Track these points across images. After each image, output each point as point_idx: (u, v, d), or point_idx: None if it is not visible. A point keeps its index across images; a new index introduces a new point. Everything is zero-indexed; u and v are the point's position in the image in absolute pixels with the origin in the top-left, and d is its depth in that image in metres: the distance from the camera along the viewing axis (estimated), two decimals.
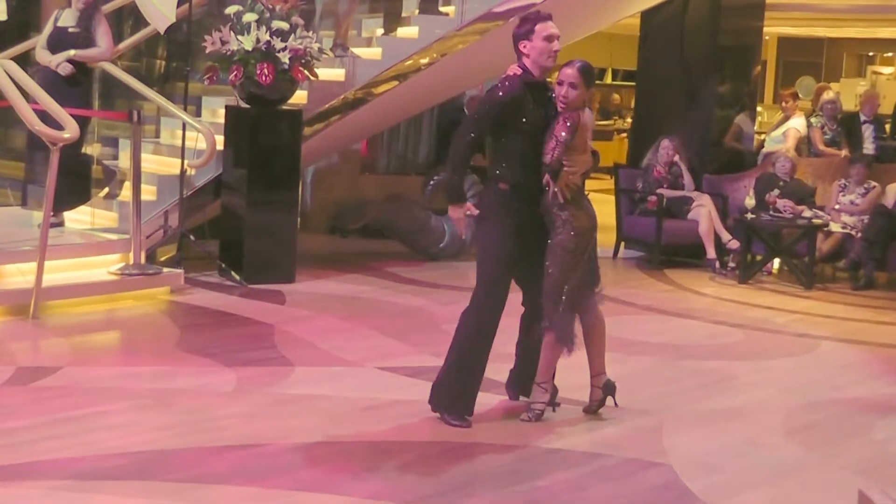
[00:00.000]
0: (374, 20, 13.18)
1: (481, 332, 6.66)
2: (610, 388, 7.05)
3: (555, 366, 6.88)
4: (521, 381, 7.13)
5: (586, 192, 6.86)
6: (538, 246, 6.75)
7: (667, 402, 7.45)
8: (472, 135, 6.67)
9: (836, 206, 12.80)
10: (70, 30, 10.16)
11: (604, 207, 15.03)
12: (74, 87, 10.10)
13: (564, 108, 6.61)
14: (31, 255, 9.05)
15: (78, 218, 10.64)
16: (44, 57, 10.20)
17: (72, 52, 10.09)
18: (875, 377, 8.59)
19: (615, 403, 7.06)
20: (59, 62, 10.05)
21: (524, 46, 6.69)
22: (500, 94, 6.65)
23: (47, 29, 10.36)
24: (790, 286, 12.18)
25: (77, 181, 10.27)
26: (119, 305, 9.53)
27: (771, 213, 12.33)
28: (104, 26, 10.35)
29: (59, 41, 10.16)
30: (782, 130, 14.20)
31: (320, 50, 10.79)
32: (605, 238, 13.97)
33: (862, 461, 6.51)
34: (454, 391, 6.67)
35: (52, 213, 9.17)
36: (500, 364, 7.04)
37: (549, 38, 6.66)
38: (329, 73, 11.31)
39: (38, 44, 10.42)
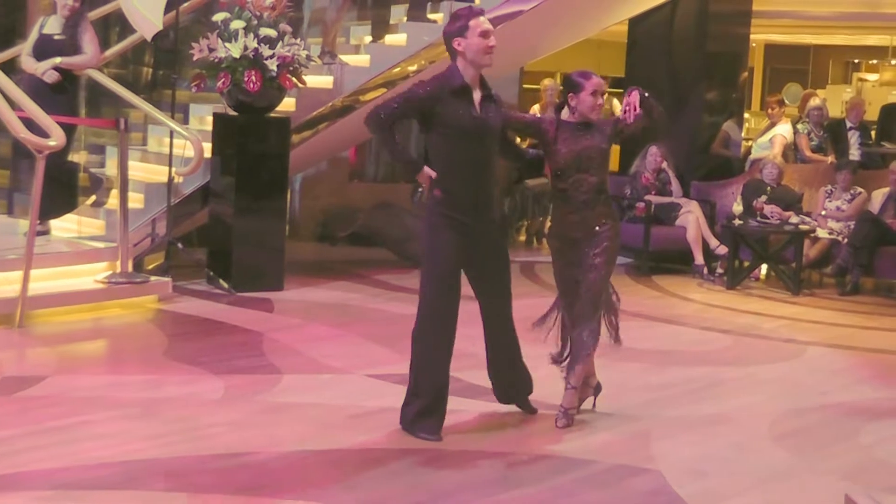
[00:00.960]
0: (362, 27, 13.18)
1: (430, 347, 6.58)
2: (598, 390, 7.17)
3: (591, 368, 7.08)
4: (503, 389, 7.11)
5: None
6: (485, 259, 6.70)
7: (655, 408, 7.45)
8: (382, 116, 6.44)
9: (823, 212, 12.82)
10: (56, 37, 10.13)
11: None
12: (60, 95, 10.08)
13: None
14: (17, 263, 9.01)
15: (64, 226, 10.61)
16: (29, 64, 10.18)
17: (57, 60, 10.06)
18: (862, 382, 8.60)
19: (593, 405, 7.18)
20: (44, 69, 10.03)
21: (458, 44, 6.42)
22: (420, 90, 6.46)
23: (32, 36, 10.34)
24: (777, 292, 12.20)
25: (63, 189, 10.26)
26: (106, 314, 9.50)
27: (758, 219, 12.35)
28: (90, 33, 10.33)
29: (44, 48, 10.14)
30: (769, 137, 14.21)
31: (308, 57, 10.80)
32: None
33: (849, 466, 6.51)
34: (416, 407, 6.56)
35: (38, 222, 9.15)
36: (483, 371, 7.04)
37: (485, 35, 6.39)
38: (317, 80, 11.32)
39: (23, 51, 10.40)
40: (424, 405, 6.54)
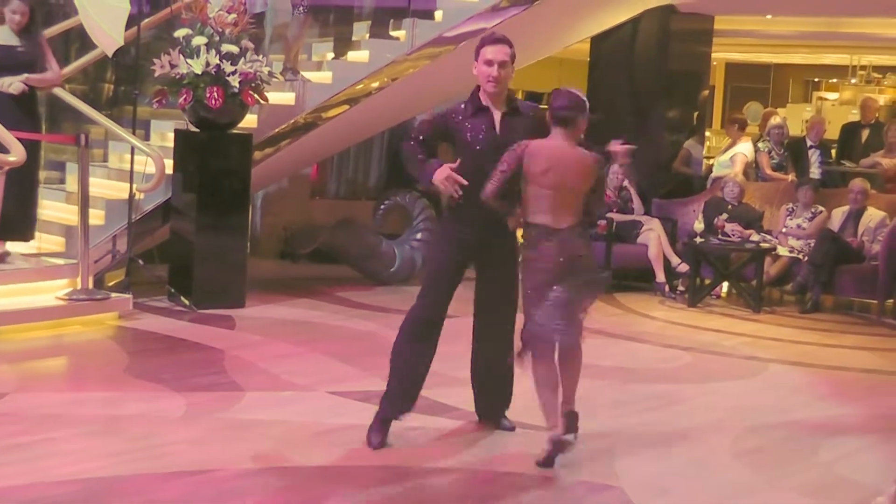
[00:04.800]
0: (325, 44, 13.19)
1: (406, 338, 6.70)
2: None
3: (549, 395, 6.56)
4: (489, 404, 7.13)
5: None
6: (488, 270, 6.79)
7: (617, 424, 7.46)
8: (412, 133, 6.71)
9: (784, 230, 12.89)
10: (18, 49, 9.92)
11: None
12: (22, 111, 9.90)
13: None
14: None
15: (25, 243, 10.52)
16: None
17: (26, 76, 9.87)
18: (822, 399, 8.64)
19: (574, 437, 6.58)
20: (10, 84, 9.83)
21: (474, 68, 6.64)
22: (441, 112, 6.74)
23: None
24: (738, 309, 12.25)
25: (27, 211, 10.09)
26: (67, 331, 9.46)
27: (719, 237, 12.41)
28: (49, 50, 10.22)
29: (4, 62, 9.88)
30: (730, 155, 14.28)
31: (270, 74, 10.80)
32: None
33: (810, 483, 6.53)
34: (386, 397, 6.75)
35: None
36: (453, 389, 7.04)
37: (488, 63, 6.55)
38: (279, 97, 11.31)
39: None
40: (381, 415, 6.68)
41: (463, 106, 6.62)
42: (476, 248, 6.67)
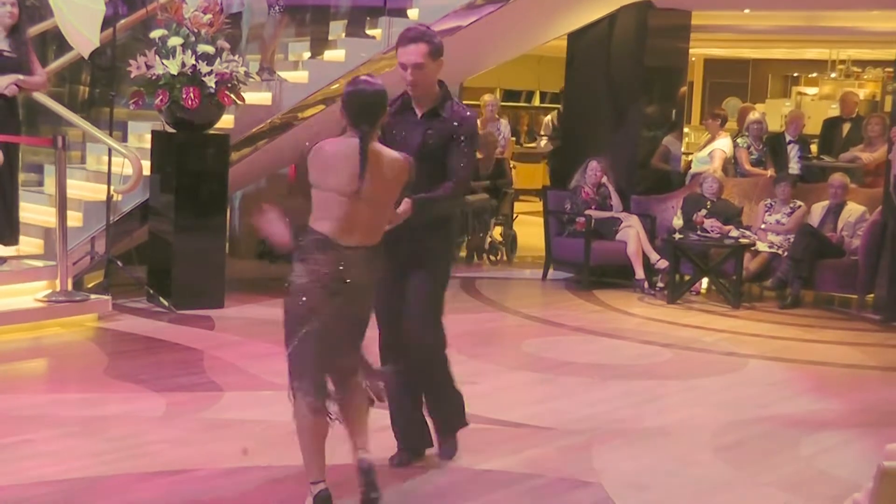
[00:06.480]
0: (301, 44, 13.17)
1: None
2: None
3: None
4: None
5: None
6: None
7: (596, 421, 7.46)
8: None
9: (763, 226, 12.92)
10: (6, 53, 9.84)
11: (532, 229, 15.19)
12: (4, 113, 9.83)
13: None
14: None
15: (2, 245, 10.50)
16: None
17: (21, 77, 9.82)
18: (801, 394, 8.66)
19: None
20: (6, 86, 9.75)
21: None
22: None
23: None
24: (718, 305, 12.27)
25: (10, 214, 10.02)
26: (46, 333, 9.44)
27: (698, 232, 12.41)
28: (34, 54, 10.21)
29: None
30: (708, 151, 14.32)
31: (247, 74, 10.79)
32: (535, 259, 14.11)
33: (789, 477, 6.55)
34: None
35: None
36: None
37: (402, 67, 6.11)
38: (256, 97, 11.30)
39: None
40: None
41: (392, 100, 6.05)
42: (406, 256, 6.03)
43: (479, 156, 15.06)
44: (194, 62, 10.29)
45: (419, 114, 6.18)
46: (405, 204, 5.69)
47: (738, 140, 14.54)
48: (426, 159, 5.90)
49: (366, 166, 5.23)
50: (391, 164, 5.39)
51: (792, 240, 12.43)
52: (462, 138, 6.05)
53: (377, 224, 5.42)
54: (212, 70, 10.35)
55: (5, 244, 10.01)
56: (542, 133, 20.52)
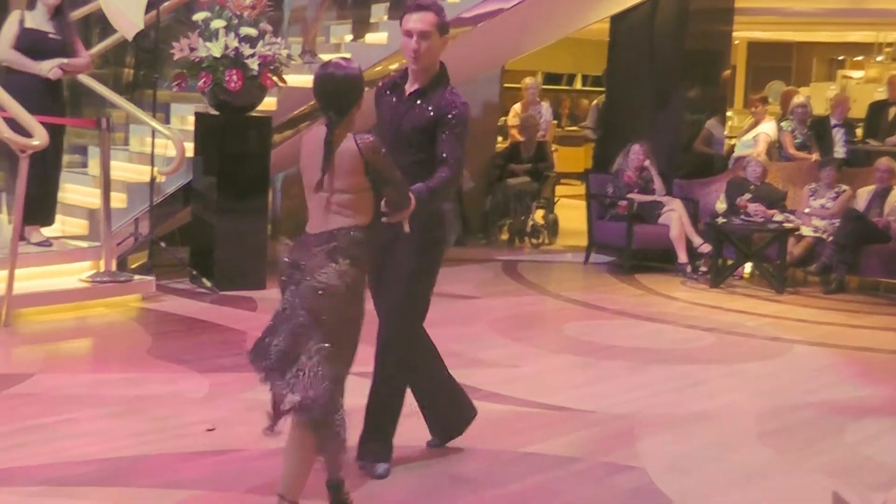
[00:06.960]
0: (343, 26, 13.17)
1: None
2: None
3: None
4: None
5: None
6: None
7: (639, 405, 7.45)
8: None
9: (807, 210, 12.83)
10: (51, 36, 9.87)
11: (573, 213, 15.16)
12: (50, 96, 9.88)
13: None
14: (2, 262, 8.99)
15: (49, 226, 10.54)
16: (21, 61, 9.72)
17: (65, 61, 9.85)
18: (846, 380, 8.61)
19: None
20: (50, 69, 9.82)
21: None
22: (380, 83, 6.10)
23: (10, 30, 9.84)
24: (761, 290, 12.20)
25: (48, 195, 10.05)
26: (90, 313, 9.49)
27: (742, 217, 12.34)
28: (77, 35, 10.25)
29: (37, 46, 9.77)
30: (753, 135, 14.23)
31: (289, 56, 10.80)
32: (577, 242, 14.08)
33: (833, 464, 6.51)
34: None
35: (21, 225, 9.09)
36: (474, 370, 7.00)
37: (408, 34, 5.91)
38: (298, 79, 11.28)
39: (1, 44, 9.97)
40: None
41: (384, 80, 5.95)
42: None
43: (520, 138, 15.07)
44: (237, 45, 10.30)
45: (407, 92, 5.96)
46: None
47: (783, 124, 14.45)
48: (409, 141, 5.79)
49: (331, 159, 4.99)
50: (340, 153, 5.04)
51: (837, 224, 12.34)
52: (454, 121, 5.79)
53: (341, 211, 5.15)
54: (254, 52, 10.36)
55: (40, 224, 10.04)
56: (585, 124, 20.36)
